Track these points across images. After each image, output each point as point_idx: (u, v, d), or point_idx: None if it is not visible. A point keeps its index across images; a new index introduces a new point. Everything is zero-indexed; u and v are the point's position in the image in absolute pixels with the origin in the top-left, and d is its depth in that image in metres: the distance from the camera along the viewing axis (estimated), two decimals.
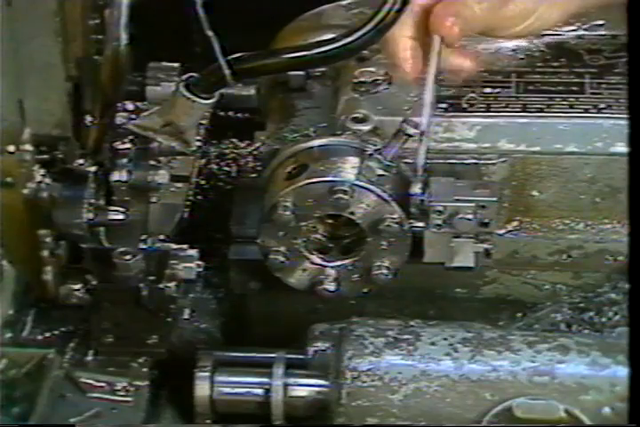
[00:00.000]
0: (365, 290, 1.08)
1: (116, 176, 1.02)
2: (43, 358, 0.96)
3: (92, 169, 1.00)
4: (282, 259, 1.06)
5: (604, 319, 1.10)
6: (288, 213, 1.04)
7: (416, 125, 1.01)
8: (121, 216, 1.01)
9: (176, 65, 1.11)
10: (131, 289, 1.00)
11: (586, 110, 1.08)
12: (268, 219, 1.05)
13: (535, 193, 1.10)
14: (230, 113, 1.22)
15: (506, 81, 1.09)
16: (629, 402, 0.86)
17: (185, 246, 1.03)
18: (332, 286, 1.07)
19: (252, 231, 1.08)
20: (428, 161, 1.05)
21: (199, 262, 1.03)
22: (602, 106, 1.08)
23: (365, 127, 1.06)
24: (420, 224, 1.04)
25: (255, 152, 1.16)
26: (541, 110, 1.08)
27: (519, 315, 1.13)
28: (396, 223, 1.04)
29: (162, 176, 1.04)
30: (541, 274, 1.12)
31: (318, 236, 1.07)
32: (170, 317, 1.02)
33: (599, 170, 1.09)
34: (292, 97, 1.14)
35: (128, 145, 1.03)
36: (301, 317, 1.12)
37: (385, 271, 1.06)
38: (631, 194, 0.87)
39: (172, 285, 1.01)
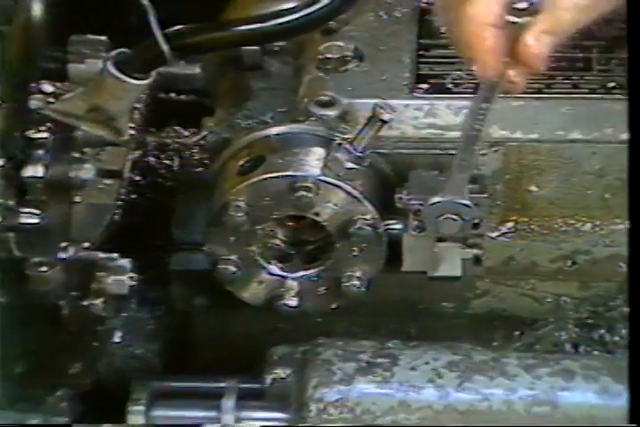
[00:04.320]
0: (334, 305, 1.06)
1: (29, 171, 0.97)
2: None
3: (0, 163, 0.96)
4: (234, 269, 1.04)
5: (616, 338, 1.09)
6: (241, 214, 1.01)
7: (392, 109, 0.99)
8: (36, 219, 0.97)
9: (103, 38, 1.06)
10: (48, 307, 0.98)
11: (593, 90, 1.05)
12: (217, 222, 1.03)
13: (533, 188, 1.07)
14: (172, 95, 1.19)
15: None
16: (629, 402, 0.85)
17: (115, 255, 1.01)
18: (293, 302, 1.05)
19: (199, 237, 1.06)
20: (407, 151, 1.04)
21: (133, 275, 1.01)
22: (611, 85, 1.05)
23: (332, 112, 1.03)
24: (398, 226, 1.03)
25: (202, 142, 1.12)
26: (540, 91, 1.05)
27: (516, 333, 1.11)
28: (369, 225, 1.02)
29: (87, 171, 1.01)
30: (542, 284, 1.10)
31: (277, 241, 1.05)
32: (97, 340, 1.02)
33: (609, 160, 1.05)
34: (246, 77, 1.12)
35: (45, 134, 0.99)
36: (257, 338, 1.10)
37: (357, 283, 1.04)
38: (631, 194, 0.86)
39: (98, 302, 0.99)
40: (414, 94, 1.04)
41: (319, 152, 1.02)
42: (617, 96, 1.04)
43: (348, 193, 1.01)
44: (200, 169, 1.12)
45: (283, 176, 1.01)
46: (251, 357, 1.03)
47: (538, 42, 0.87)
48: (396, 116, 1.01)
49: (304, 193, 1.00)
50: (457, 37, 0.89)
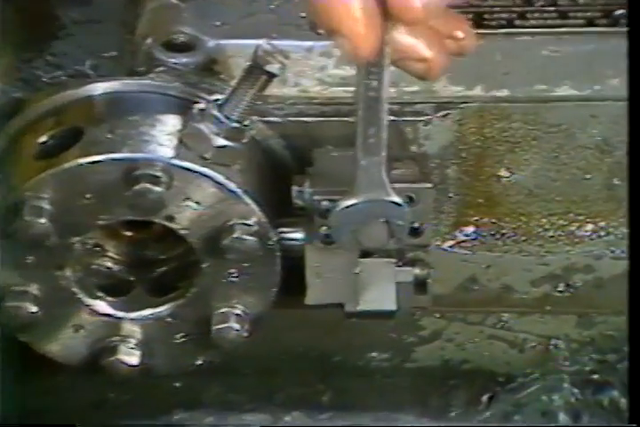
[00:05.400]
0: (199, 361, 0.91)
1: None
2: None
3: None
4: (32, 308, 0.87)
5: None
6: (44, 220, 0.85)
7: (284, 55, 0.83)
8: None
9: None
10: None
11: (589, 21, 0.92)
12: (3, 231, 0.88)
13: (504, 173, 0.95)
14: None
15: None
16: (629, 402, 0.88)
17: None
18: (134, 358, 0.88)
19: None
20: (310, 119, 0.92)
21: None
22: (618, 13, 0.92)
23: (192, 59, 0.91)
24: (298, 235, 0.90)
25: None
26: (510, 23, 0.93)
27: (484, 397, 0.99)
28: (253, 235, 0.87)
29: None
30: (521, 321, 0.98)
31: (107, 262, 0.92)
32: None
33: (616, 128, 0.92)
34: (50, 2, 0.97)
35: None
36: (76, 416, 0.98)
37: (235, 325, 0.88)
38: (631, 193, 0.82)
39: None
40: (319, 32, 0.88)
41: (172, 122, 0.87)
42: (625, 30, 0.89)
43: (219, 185, 0.86)
44: None
45: (113, 160, 0.84)
46: None
47: None
48: (292, 65, 0.86)
49: (148, 186, 0.84)
50: (319, 12, 0.79)
